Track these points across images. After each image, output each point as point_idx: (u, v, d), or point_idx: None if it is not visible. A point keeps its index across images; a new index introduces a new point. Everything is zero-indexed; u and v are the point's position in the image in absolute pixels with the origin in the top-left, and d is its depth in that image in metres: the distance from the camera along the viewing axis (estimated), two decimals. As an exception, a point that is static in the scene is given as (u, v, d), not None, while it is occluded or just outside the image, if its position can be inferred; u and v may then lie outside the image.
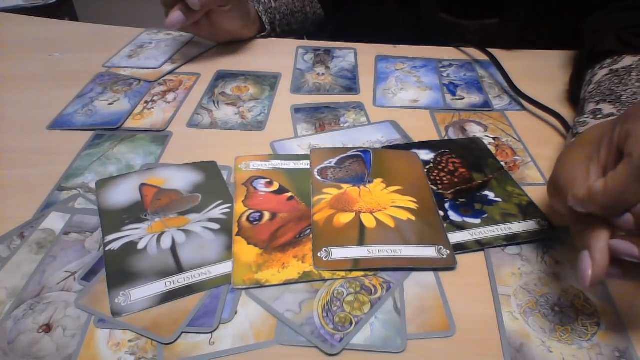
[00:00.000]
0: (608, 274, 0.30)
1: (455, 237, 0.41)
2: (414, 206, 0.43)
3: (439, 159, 0.49)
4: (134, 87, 0.61)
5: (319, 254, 0.38)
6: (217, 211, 0.43)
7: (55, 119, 0.55)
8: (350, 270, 0.38)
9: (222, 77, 0.64)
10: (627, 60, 0.50)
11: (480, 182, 0.47)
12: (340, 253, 0.39)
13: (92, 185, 0.46)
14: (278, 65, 0.67)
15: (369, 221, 0.41)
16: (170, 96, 0.60)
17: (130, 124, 0.55)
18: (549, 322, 0.35)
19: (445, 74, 0.65)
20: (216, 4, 0.61)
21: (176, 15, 0.58)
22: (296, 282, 0.37)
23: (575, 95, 0.56)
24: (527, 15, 0.69)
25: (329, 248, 0.39)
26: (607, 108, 0.45)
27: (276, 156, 0.50)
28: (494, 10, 0.70)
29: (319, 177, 0.46)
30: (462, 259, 0.39)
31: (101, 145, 0.51)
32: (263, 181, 0.46)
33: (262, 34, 0.73)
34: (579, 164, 0.33)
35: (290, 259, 0.38)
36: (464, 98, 0.60)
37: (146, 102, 0.59)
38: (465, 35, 0.73)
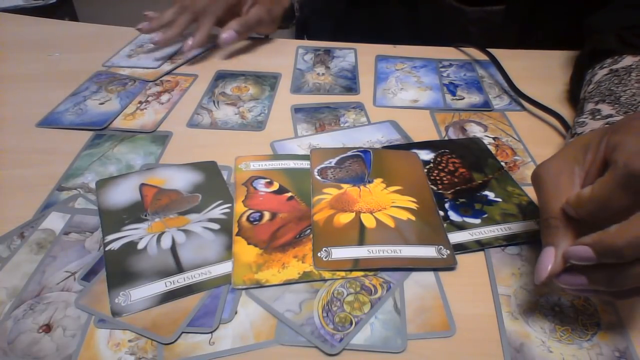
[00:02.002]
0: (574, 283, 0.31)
1: (455, 237, 0.41)
2: (414, 206, 0.43)
3: (439, 159, 0.49)
4: (128, 87, 0.61)
5: (319, 254, 0.38)
6: (217, 211, 0.43)
7: (46, 116, 0.55)
8: (350, 270, 0.38)
9: (222, 77, 0.64)
10: (628, 61, 0.50)
11: (480, 182, 0.47)
12: (340, 253, 0.39)
13: (92, 185, 0.46)
14: (278, 65, 0.67)
15: (369, 221, 0.41)
16: (164, 97, 0.60)
17: (121, 124, 0.54)
18: (549, 322, 0.35)
19: (445, 74, 0.65)
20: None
21: (230, 34, 0.66)
22: (296, 282, 0.37)
23: (575, 95, 0.56)
24: (530, 9, 0.68)
25: (329, 248, 0.39)
26: (605, 109, 0.45)
27: (276, 156, 0.50)
28: None
29: (319, 177, 0.46)
30: (462, 259, 0.39)
31: (101, 145, 0.51)
32: (263, 181, 0.46)
33: (292, 20, 0.76)
34: (565, 163, 0.33)
35: (290, 259, 0.38)
36: (464, 98, 0.60)
37: (140, 102, 0.58)
38: (467, 27, 0.73)
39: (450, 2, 0.72)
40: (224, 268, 0.38)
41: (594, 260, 0.29)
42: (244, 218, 0.42)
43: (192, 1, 0.66)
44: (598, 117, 0.45)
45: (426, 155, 0.50)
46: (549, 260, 0.31)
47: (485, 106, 0.59)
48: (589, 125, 0.45)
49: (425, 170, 0.48)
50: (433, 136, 0.54)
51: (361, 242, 0.39)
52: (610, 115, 0.44)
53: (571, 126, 0.52)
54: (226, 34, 0.65)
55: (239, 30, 0.66)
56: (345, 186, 0.45)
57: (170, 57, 0.68)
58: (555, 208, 0.32)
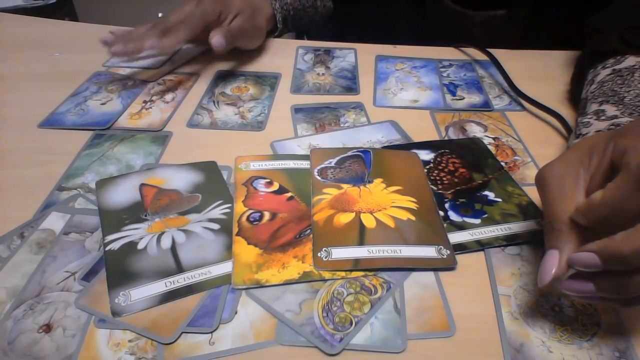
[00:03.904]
0: (581, 291, 0.31)
1: (455, 237, 0.41)
2: (414, 206, 0.43)
3: (439, 159, 0.49)
4: (129, 87, 0.61)
5: (319, 254, 0.38)
6: (217, 211, 0.43)
7: (47, 117, 0.55)
8: (350, 271, 0.38)
9: (222, 77, 0.64)
10: (630, 61, 0.50)
11: (480, 182, 0.47)
12: (340, 253, 0.39)
13: (92, 185, 0.46)
14: (278, 65, 0.67)
15: (369, 221, 0.41)
16: (168, 96, 0.60)
17: (127, 123, 0.55)
18: (549, 322, 0.35)
19: (445, 74, 0.65)
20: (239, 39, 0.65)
21: (219, 39, 0.59)
22: (296, 282, 0.37)
23: (576, 95, 0.56)
24: (532, 12, 0.68)
25: (329, 248, 0.39)
26: (610, 109, 0.45)
27: (276, 156, 0.50)
28: (501, 2, 0.70)
29: (319, 177, 0.46)
30: (462, 259, 0.39)
31: (101, 145, 0.51)
32: (263, 181, 0.46)
33: (275, 33, 0.73)
34: (570, 166, 0.33)
35: (290, 259, 0.38)
36: (464, 98, 0.60)
37: (145, 101, 0.59)
38: (470, 29, 0.73)
39: (454, 7, 0.72)
40: (224, 268, 0.38)
41: (599, 267, 0.28)
42: (244, 218, 0.42)
43: (164, 20, 0.61)
44: (603, 117, 0.45)
45: (426, 155, 0.50)
46: (553, 263, 0.30)
47: (485, 106, 0.59)
48: (594, 126, 0.45)
49: (425, 170, 0.48)
50: (433, 136, 0.54)
51: (361, 242, 0.39)
52: (615, 117, 0.44)
53: (573, 126, 0.52)
54: (214, 39, 0.59)
55: (224, 34, 0.60)
56: (345, 186, 0.45)
57: (170, 57, 0.68)
58: (560, 211, 0.31)
